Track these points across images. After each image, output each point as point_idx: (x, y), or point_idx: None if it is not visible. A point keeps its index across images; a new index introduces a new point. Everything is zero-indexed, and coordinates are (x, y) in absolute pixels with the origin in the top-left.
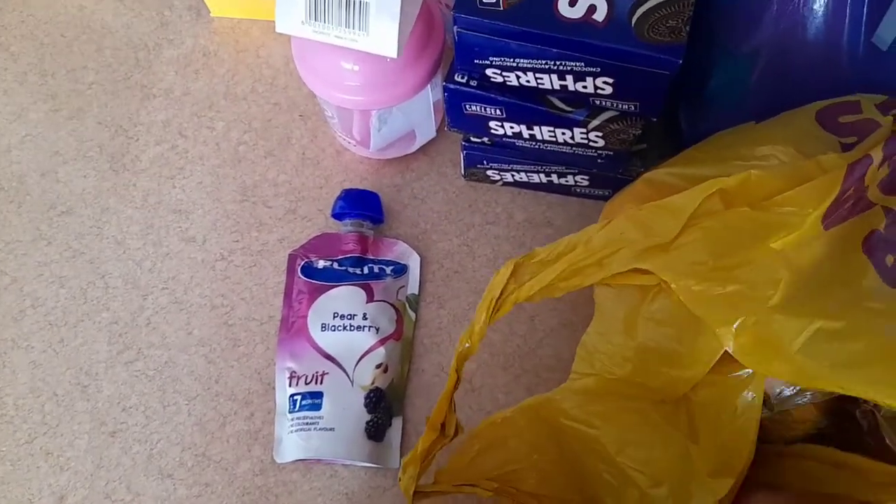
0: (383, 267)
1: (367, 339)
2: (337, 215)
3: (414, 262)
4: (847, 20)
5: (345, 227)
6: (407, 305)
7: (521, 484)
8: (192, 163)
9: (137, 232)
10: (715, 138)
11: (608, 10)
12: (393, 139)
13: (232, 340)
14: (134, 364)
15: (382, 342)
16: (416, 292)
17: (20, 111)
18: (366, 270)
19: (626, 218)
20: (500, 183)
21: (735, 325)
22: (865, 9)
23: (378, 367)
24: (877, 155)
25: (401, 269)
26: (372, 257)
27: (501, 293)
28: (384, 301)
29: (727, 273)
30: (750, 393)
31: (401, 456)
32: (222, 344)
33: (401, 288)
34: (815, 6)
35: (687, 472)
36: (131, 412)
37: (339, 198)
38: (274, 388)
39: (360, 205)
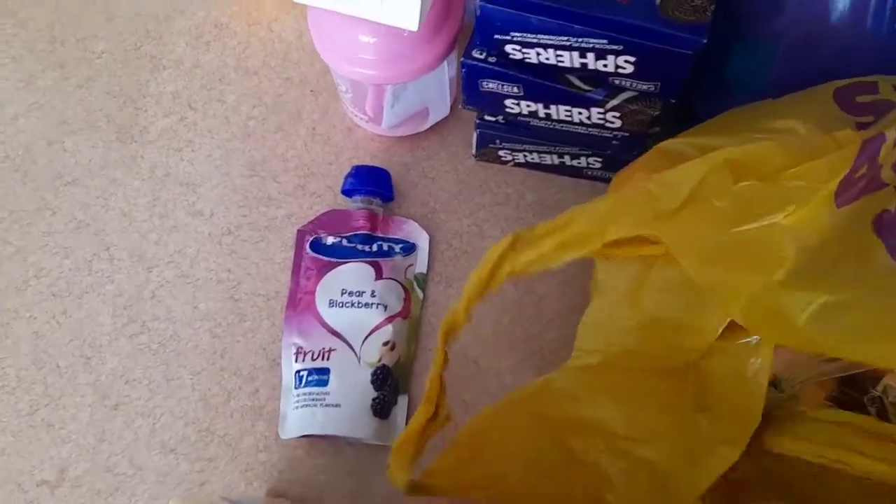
0: (392, 245)
1: (374, 316)
2: (347, 191)
3: (423, 240)
4: (872, 5)
5: (354, 204)
6: (415, 284)
7: (512, 491)
8: (200, 136)
9: (144, 204)
10: (731, 112)
11: None
12: (406, 116)
13: (238, 315)
14: (138, 337)
15: (390, 320)
16: (425, 271)
17: (28, 79)
18: (375, 248)
19: (631, 188)
20: (512, 163)
21: (741, 300)
22: None
23: (385, 344)
24: (891, 134)
25: (410, 248)
26: (381, 235)
27: (497, 263)
28: (392, 279)
29: (734, 246)
30: (758, 359)
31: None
32: (228, 319)
33: (409, 266)
34: None
35: (697, 442)
36: (135, 385)
37: (349, 174)
38: (279, 364)
39: (370, 182)
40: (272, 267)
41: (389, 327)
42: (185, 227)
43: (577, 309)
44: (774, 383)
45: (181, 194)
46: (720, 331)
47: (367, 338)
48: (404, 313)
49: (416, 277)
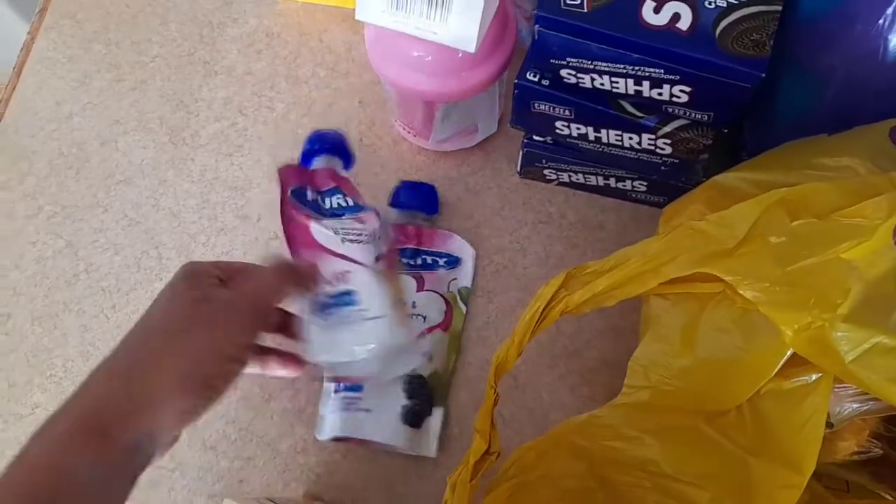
0: (437, 258)
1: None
2: (394, 205)
3: (468, 255)
4: None
5: (402, 218)
6: (458, 297)
7: None
8: (250, 141)
9: (193, 206)
10: (785, 147)
11: (693, 19)
12: (454, 132)
13: None
14: None
15: (429, 331)
16: (469, 285)
17: (84, 78)
18: (419, 261)
19: (685, 228)
20: (556, 182)
21: (797, 327)
22: None
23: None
24: None
25: (454, 262)
26: (426, 248)
27: (550, 302)
28: (434, 291)
29: (796, 279)
30: (815, 399)
31: (439, 445)
32: None
33: (452, 280)
34: None
35: (751, 487)
36: None
37: (396, 188)
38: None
39: (417, 196)
40: None
41: (427, 338)
42: (232, 229)
43: (616, 329)
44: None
45: (230, 197)
46: (776, 370)
47: None
48: (444, 325)
49: (459, 291)
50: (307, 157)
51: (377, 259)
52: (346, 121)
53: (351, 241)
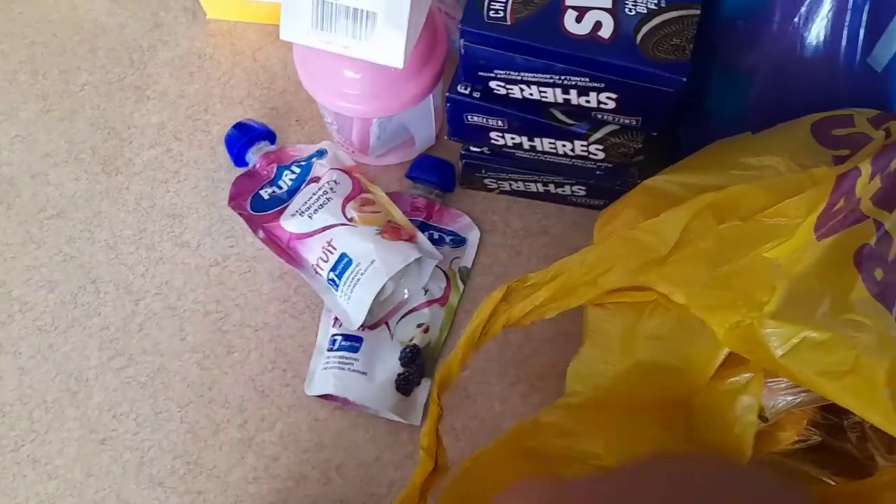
0: (444, 235)
1: (414, 298)
2: (411, 176)
3: (474, 236)
4: (844, 41)
5: (414, 191)
6: (458, 276)
7: None
8: (186, 166)
9: (130, 236)
10: (712, 148)
11: (614, 26)
12: (392, 146)
13: (226, 347)
14: (125, 370)
15: (429, 304)
16: (469, 265)
17: (10, 111)
18: (426, 235)
19: (618, 237)
20: (497, 191)
21: (727, 326)
22: (862, 31)
23: (419, 326)
24: (865, 168)
25: (460, 241)
26: (435, 224)
27: (491, 317)
28: (438, 267)
29: (725, 281)
30: (747, 396)
31: (424, 414)
32: (216, 350)
33: (455, 258)
34: (814, 27)
35: None
36: (122, 419)
37: (415, 161)
38: (268, 395)
39: (434, 171)
40: (260, 298)
41: (427, 311)
42: (171, 258)
43: (565, 335)
44: (760, 415)
45: (167, 225)
46: (712, 373)
47: (403, 317)
48: (443, 300)
49: (460, 270)
50: (239, 158)
51: (344, 203)
52: (284, 139)
53: (317, 209)
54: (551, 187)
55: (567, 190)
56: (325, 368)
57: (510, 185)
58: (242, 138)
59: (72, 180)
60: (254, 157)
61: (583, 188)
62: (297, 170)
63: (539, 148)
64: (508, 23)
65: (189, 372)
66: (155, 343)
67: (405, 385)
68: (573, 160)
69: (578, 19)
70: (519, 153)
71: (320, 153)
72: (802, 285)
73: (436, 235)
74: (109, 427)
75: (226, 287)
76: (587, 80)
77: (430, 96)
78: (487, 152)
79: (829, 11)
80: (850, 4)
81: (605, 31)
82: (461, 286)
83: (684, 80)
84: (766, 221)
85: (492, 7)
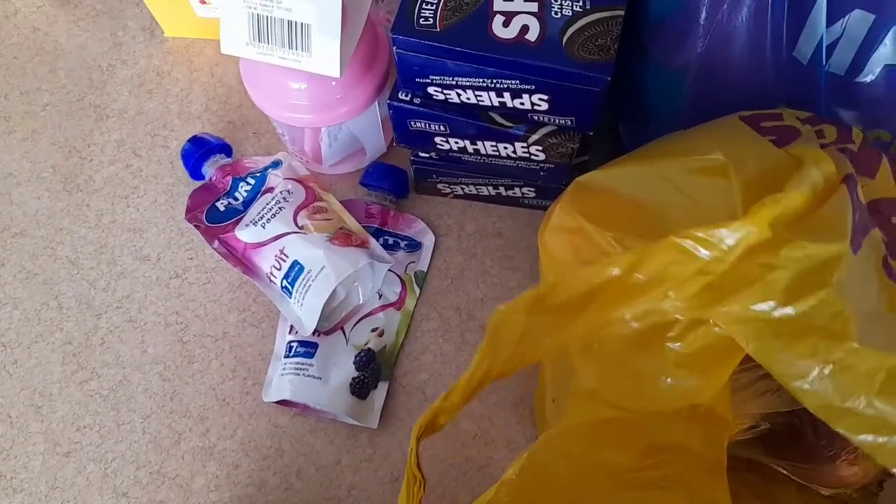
0: (398, 240)
1: (369, 303)
2: (365, 183)
3: (429, 240)
4: (769, 36)
5: (369, 198)
6: (413, 280)
7: None
8: (146, 182)
9: (91, 252)
10: (647, 145)
11: (541, 29)
12: (344, 155)
13: (186, 357)
14: (88, 384)
15: (383, 308)
16: (425, 269)
17: None
18: (381, 241)
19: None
20: (451, 195)
21: (813, 375)
22: (785, 25)
23: (374, 330)
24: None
25: (415, 246)
26: (389, 230)
27: (422, 434)
28: (393, 271)
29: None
30: None
31: (381, 417)
32: (177, 361)
33: (411, 263)
34: (738, 23)
35: None
36: (85, 432)
37: (368, 168)
38: (229, 403)
39: (388, 178)
40: (219, 308)
41: (381, 315)
42: (132, 272)
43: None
44: None
45: (128, 240)
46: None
47: (358, 322)
48: (398, 305)
49: (415, 274)
50: (195, 171)
51: (297, 212)
52: (242, 152)
53: (270, 218)
54: (502, 190)
55: (517, 192)
56: (282, 375)
57: (462, 189)
58: (197, 152)
59: (34, 199)
60: (210, 169)
61: (532, 189)
62: (253, 181)
63: (482, 151)
64: (438, 29)
65: (151, 383)
66: (117, 356)
67: (360, 388)
68: (517, 162)
69: (506, 24)
70: (465, 157)
71: (275, 164)
72: (863, 305)
73: (390, 241)
74: (73, 440)
75: (186, 298)
76: (518, 82)
77: (376, 104)
78: (435, 157)
79: (750, 6)
80: None
81: (532, 35)
82: (417, 290)
83: (608, 79)
84: (816, 235)
85: (422, 14)
